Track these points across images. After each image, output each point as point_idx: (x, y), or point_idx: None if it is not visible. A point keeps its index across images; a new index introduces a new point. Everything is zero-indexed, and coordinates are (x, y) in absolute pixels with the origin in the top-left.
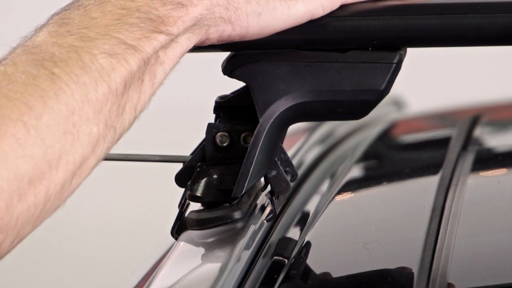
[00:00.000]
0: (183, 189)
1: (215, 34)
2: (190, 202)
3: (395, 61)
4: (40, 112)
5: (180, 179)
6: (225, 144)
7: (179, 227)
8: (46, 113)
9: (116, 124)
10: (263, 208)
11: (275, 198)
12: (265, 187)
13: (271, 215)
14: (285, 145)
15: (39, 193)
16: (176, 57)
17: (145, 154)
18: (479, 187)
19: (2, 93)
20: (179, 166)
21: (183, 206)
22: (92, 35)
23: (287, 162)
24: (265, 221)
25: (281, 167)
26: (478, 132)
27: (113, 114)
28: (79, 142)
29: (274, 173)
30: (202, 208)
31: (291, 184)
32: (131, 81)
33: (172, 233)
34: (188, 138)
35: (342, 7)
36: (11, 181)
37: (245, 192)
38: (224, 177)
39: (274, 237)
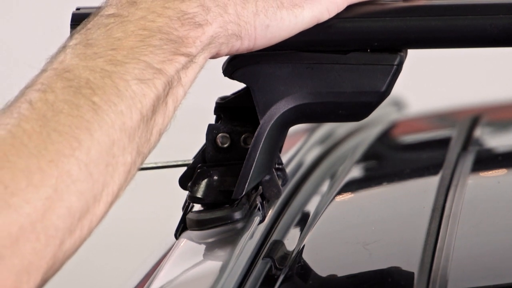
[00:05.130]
0: (186, 192)
1: (225, 49)
2: (194, 204)
3: (395, 63)
4: (89, 146)
5: (183, 182)
6: (225, 145)
7: (183, 229)
8: (93, 147)
9: (145, 150)
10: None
11: (265, 203)
12: (255, 188)
13: (260, 220)
14: (285, 145)
15: (83, 227)
16: (194, 76)
17: (148, 163)
18: (479, 188)
19: (51, 127)
20: (183, 169)
21: (187, 208)
22: (120, 58)
23: (279, 166)
24: (256, 225)
25: (275, 173)
26: (478, 132)
27: (142, 140)
28: (117, 173)
29: (267, 177)
30: (202, 208)
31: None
32: (158, 105)
33: (175, 235)
34: (188, 139)
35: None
36: (66, 219)
37: (245, 193)
38: (224, 178)
39: (274, 237)
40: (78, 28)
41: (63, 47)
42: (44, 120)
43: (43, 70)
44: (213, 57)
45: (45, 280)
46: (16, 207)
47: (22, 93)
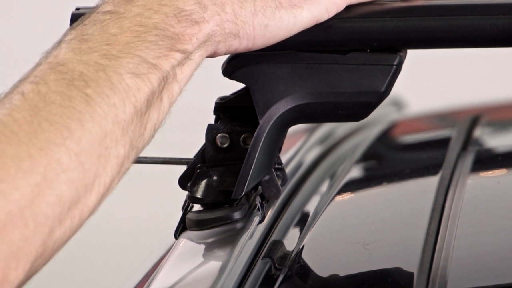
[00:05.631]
0: (186, 192)
1: (223, 48)
2: (193, 204)
3: (395, 63)
4: (80, 136)
5: (183, 182)
6: (225, 145)
7: (183, 229)
8: (84, 137)
9: (138, 144)
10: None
11: (264, 203)
12: (255, 188)
13: (260, 220)
14: (285, 145)
15: (74, 217)
16: (190, 73)
17: (149, 156)
18: (479, 188)
19: (42, 116)
20: (183, 168)
21: (186, 208)
22: (115, 52)
23: (279, 166)
24: (255, 225)
25: (274, 173)
26: (478, 132)
27: (136, 134)
28: (110, 165)
29: (267, 177)
30: (201, 208)
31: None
32: (152, 100)
33: (175, 236)
34: (188, 139)
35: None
36: (55, 207)
37: (245, 193)
38: (224, 178)
39: (274, 237)
40: (74, 24)
41: (59, 42)
42: (36, 110)
43: (38, 64)
44: (211, 56)
45: (35, 269)
46: (4, 193)
47: (15, 85)
